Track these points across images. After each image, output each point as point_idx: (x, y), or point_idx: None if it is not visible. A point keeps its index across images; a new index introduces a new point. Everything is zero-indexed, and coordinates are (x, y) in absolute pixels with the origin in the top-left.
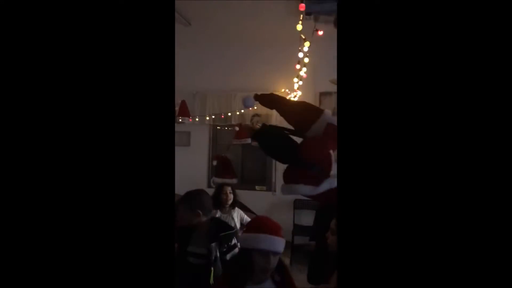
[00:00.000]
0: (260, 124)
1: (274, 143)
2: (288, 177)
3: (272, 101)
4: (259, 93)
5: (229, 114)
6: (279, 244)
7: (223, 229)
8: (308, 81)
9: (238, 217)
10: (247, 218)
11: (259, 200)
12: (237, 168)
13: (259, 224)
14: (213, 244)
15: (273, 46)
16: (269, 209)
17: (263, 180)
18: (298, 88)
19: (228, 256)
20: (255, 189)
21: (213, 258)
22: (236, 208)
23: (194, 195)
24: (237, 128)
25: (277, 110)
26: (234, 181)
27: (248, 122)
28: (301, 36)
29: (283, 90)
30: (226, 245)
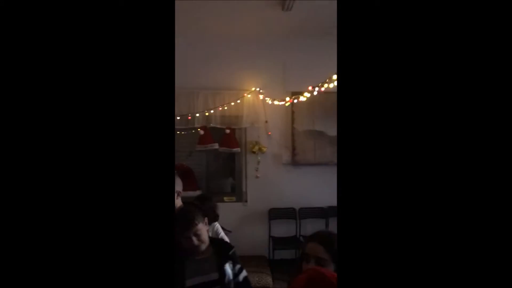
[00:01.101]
0: None
1: None
2: None
3: None
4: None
5: (197, 115)
6: None
7: (226, 247)
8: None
9: (212, 232)
10: (223, 234)
11: (229, 212)
12: (201, 177)
13: None
14: (227, 265)
15: (240, 43)
16: (241, 222)
17: (232, 190)
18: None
19: (241, 277)
20: (223, 201)
21: (226, 281)
22: (215, 223)
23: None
24: (201, 132)
25: None
26: (198, 193)
27: (215, 125)
28: None
29: (253, 88)
30: (237, 265)
